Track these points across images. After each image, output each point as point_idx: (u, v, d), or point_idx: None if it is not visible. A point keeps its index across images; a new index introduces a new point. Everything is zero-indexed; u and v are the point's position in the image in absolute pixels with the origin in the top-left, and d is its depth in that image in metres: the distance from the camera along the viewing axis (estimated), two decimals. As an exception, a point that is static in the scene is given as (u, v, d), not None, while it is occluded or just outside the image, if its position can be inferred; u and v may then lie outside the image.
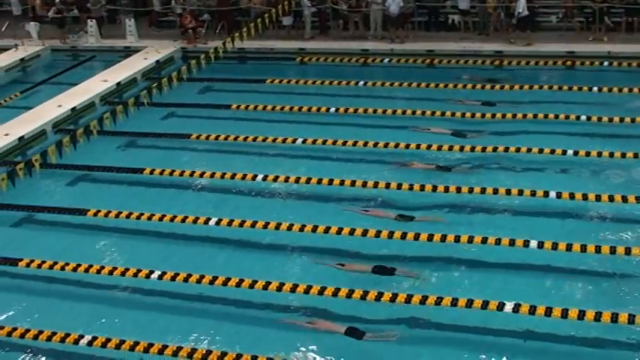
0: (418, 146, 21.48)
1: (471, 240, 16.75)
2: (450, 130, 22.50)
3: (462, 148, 21.35)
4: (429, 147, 21.40)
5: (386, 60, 29.07)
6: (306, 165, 21.57)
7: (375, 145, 21.84)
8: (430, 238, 16.92)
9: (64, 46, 34.13)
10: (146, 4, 36.24)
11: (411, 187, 19.23)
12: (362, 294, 15.20)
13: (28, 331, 15.14)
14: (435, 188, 19.20)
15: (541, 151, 20.72)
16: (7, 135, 24.07)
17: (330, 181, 19.96)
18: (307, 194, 20.02)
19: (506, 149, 21.01)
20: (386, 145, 21.69)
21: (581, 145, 20.94)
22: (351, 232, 17.42)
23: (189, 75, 27.88)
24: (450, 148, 21.34)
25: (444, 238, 16.85)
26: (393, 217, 18.12)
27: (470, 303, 14.70)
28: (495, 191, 18.81)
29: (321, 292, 15.44)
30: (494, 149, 21.10)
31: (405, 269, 16.23)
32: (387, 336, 14.59)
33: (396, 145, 21.65)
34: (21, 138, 24.06)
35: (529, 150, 20.83)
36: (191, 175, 21.06)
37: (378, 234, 17.28)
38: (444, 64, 28.52)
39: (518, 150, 20.90)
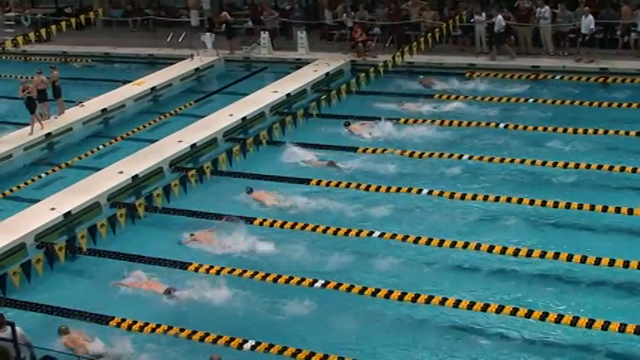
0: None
1: None
2: None
3: None
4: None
5: (557, 77, 28.49)
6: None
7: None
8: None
9: (238, 56, 34.98)
10: (318, 17, 36.80)
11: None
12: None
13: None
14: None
15: None
16: (180, 142, 24.87)
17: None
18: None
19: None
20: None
21: None
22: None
23: (358, 88, 28.05)
24: None
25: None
26: None
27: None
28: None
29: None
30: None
31: None
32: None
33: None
34: (193, 145, 24.79)
35: None
36: (357, 187, 21.24)
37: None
38: (618, 82, 27.78)
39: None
